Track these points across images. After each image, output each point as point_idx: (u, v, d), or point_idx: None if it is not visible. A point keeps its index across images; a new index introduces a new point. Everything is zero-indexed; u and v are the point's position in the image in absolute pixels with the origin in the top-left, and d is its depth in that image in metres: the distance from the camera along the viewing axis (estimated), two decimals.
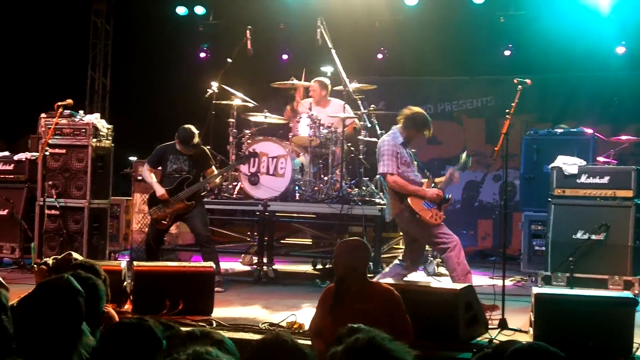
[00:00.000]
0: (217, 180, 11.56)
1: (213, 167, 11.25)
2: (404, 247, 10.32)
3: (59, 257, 6.68)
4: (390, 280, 8.30)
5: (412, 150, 9.93)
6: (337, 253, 6.74)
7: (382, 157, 9.45)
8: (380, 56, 17.57)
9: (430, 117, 9.77)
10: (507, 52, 16.57)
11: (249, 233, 13.68)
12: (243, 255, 13.19)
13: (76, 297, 4.07)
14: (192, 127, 10.95)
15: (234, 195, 12.49)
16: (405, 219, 9.48)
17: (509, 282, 10.03)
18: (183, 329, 4.16)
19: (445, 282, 9.81)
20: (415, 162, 9.73)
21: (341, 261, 6.63)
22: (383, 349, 3.28)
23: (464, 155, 9.77)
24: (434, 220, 9.30)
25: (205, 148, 11.24)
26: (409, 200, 9.31)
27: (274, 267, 11.95)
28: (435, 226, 9.32)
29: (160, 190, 10.90)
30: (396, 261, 10.01)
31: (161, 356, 3.42)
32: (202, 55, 18.65)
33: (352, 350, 3.29)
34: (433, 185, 9.53)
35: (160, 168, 11.21)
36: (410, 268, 9.85)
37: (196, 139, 10.93)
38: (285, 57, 18.31)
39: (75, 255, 6.53)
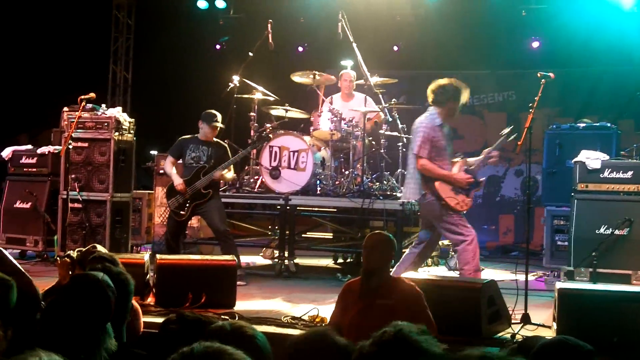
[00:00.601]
0: (230, 175, 11.41)
1: (226, 169, 11.25)
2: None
3: (83, 249, 6.69)
4: (407, 271, 8.27)
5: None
6: (370, 246, 6.60)
7: (417, 138, 9.23)
8: (401, 50, 17.54)
9: None
10: (535, 44, 16.51)
11: (270, 227, 13.69)
12: (264, 249, 13.21)
13: (107, 293, 4.07)
14: (216, 111, 11.07)
15: (255, 189, 12.50)
16: (428, 203, 9.32)
17: (531, 277, 9.97)
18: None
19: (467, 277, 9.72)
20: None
21: (375, 255, 6.56)
22: (411, 341, 3.27)
23: (507, 130, 9.50)
24: (459, 207, 9.16)
25: (225, 144, 11.26)
26: (436, 184, 9.15)
27: (295, 260, 11.96)
28: (458, 215, 9.21)
29: (177, 181, 10.95)
30: (410, 249, 9.87)
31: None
32: (221, 48, 18.67)
33: (379, 344, 3.28)
34: (466, 167, 9.34)
35: (181, 161, 11.24)
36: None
37: (219, 119, 11.01)
38: (303, 49, 18.29)
39: (99, 247, 6.54)
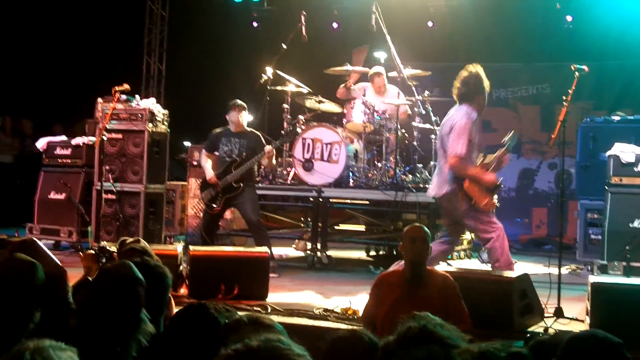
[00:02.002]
0: (266, 161, 11.40)
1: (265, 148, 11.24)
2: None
3: (127, 241, 6.66)
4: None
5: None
6: (421, 237, 6.61)
7: (454, 136, 9.01)
8: (434, 42, 17.49)
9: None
10: (565, 34, 16.42)
11: (302, 219, 13.72)
12: (297, 240, 13.23)
13: (135, 286, 4.09)
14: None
15: (288, 181, 12.53)
16: (455, 202, 9.18)
17: (564, 271, 9.93)
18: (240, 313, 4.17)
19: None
20: None
21: (423, 246, 6.58)
22: (436, 336, 3.26)
23: (509, 136, 9.31)
24: (488, 207, 9.13)
25: (258, 133, 11.27)
26: (465, 183, 9.03)
27: (328, 253, 11.97)
28: (486, 214, 9.13)
29: (209, 174, 11.01)
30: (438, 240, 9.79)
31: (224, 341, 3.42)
32: (257, 40, 18.73)
33: (404, 339, 3.27)
34: (490, 165, 9.21)
35: (217, 153, 11.28)
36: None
37: (238, 101, 11.12)
38: (338, 26, 18.26)
39: (142, 243, 6.54)
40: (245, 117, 11.22)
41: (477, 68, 9.35)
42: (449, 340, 3.26)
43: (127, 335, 3.97)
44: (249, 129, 11.16)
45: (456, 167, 9.01)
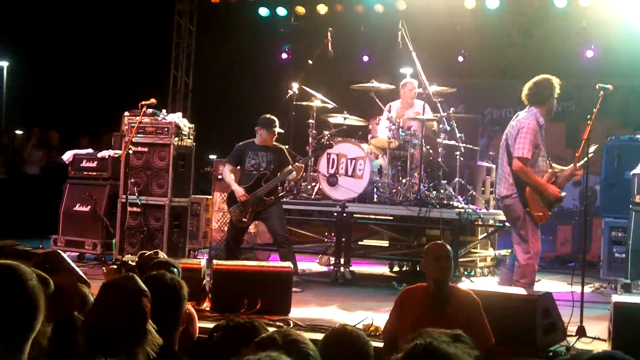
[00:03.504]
0: (294, 175, 11.42)
1: (290, 166, 11.28)
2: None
3: (145, 254, 6.75)
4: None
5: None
6: (444, 256, 6.61)
7: (521, 138, 8.91)
8: (460, 59, 17.51)
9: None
10: (589, 53, 16.40)
11: (326, 234, 13.73)
12: (320, 255, 13.25)
13: (139, 298, 4.13)
14: (272, 116, 11.10)
15: (312, 196, 12.56)
16: (512, 205, 9.13)
17: (588, 289, 9.88)
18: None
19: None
20: None
21: (448, 263, 6.59)
22: (441, 353, 3.26)
23: (593, 149, 9.00)
24: (539, 220, 8.97)
25: (283, 147, 11.29)
26: (527, 190, 8.91)
27: (351, 268, 11.98)
28: (534, 227, 9.03)
29: (239, 192, 10.95)
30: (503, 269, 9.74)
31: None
32: (284, 56, 18.84)
33: (410, 357, 3.27)
34: (554, 178, 9.08)
35: (239, 167, 11.28)
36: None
37: (277, 124, 11.02)
38: (365, 58, 18.38)
39: (161, 254, 6.62)
40: (276, 134, 11.17)
41: (551, 77, 9.26)
42: (455, 358, 3.26)
43: (133, 346, 4.00)
44: (274, 143, 11.17)
45: (522, 170, 8.90)
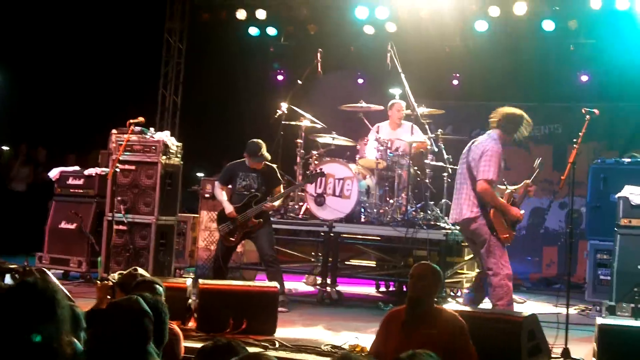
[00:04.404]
0: (281, 201, 11.46)
1: (281, 186, 11.31)
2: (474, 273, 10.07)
3: (125, 272, 6.76)
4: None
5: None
6: (417, 275, 6.57)
7: (486, 160, 9.04)
8: (450, 81, 17.61)
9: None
10: (584, 78, 16.51)
11: (313, 253, 13.73)
12: (307, 275, 13.26)
13: (143, 319, 4.15)
14: (259, 140, 11.07)
15: (300, 216, 12.58)
16: (478, 229, 9.19)
17: (572, 311, 9.91)
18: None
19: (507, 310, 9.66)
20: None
21: (421, 284, 6.57)
22: None
23: (537, 162, 9.48)
24: (507, 241, 9.06)
25: (274, 166, 11.30)
26: (491, 212, 9.04)
27: (338, 288, 11.99)
28: (502, 248, 9.09)
29: (229, 208, 10.98)
30: (465, 291, 9.84)
31: None
32: (274, 76, 18.90)
33: None
34: (512, 199, 9.22)
35: (230, 186, 11.30)
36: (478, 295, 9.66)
37: (263, 150, 10.99)
38: (357, 80, 18.48)
39: (140, 271, 6.62)
40: (263, 159, 11.14)
41: (527, 116, 9.40)
42: None
43: None
44: (264, 163, 11.15)
45: (487, 192, 9.02)
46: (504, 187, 9.34)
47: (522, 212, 9.30)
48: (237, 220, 10.96)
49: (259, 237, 11.07)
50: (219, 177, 11.50)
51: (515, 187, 9.39)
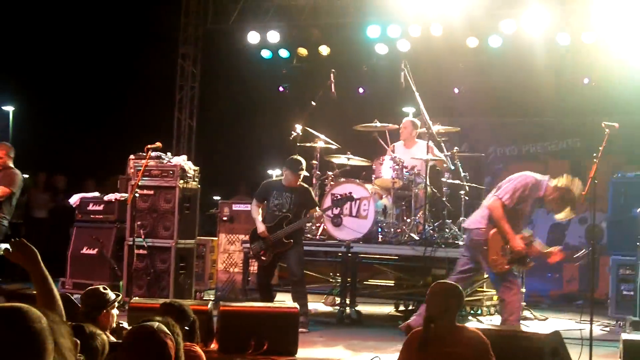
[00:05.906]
0: (313, 221, 11.48)
1: (317, 208, 11.34)
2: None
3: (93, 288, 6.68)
4: None
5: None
6: (431, 292, 6.57)
7: (511, 185, 9.17)
8: (463, 97, 17.59)
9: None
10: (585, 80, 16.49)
11: (331, 274, 13.70)
12: (326, 296, 13.22)
13: (165, 343, 4.16)
14: (300, 157, 11.14)
15: (317, 236, 12.55)
16: (476, 238, 9.35)
17: (596, 327, 9.85)
18: None
19: (532, 327, 9.65)
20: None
21: (434, 301, 6.53)
22: None
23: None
24: (492, 263, 9.14)
25: (309, 188, 11.33)
26: (492, 231, 9.13)
27: (357, 308, 11.96)
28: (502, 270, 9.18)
29: (261, 228, 11.03)
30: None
31: None
32: (286, 97, 18.93)
33: None
34: (529, 240, 9.20)
35: (265, 203, 11.34)
36: None
37: (303, 167, 11.03)
38: (364, 92, 18.47)
39: (106, 289, 6.56)
40: (301, 176, 11.17)
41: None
42: None
43: None
44: (299, 183, 11.17)
45: (495, 210, 9.11)
46: (528, 233, 9.32)
47: (530, 262, 9.29)
48: (269, 240, 10.97)
49: (289, 257, 11.08)
50: (255, 194, 11.53)
51: (542, 244, 9.40)
